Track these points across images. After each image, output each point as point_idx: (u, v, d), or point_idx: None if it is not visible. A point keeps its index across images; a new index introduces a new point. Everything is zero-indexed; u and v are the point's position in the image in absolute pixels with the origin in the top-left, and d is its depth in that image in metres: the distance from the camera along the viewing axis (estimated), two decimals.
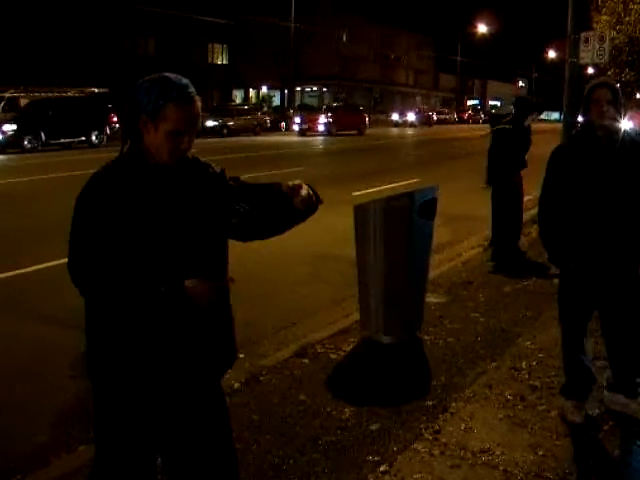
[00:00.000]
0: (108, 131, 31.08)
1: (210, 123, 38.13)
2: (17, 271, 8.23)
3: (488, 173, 8.81)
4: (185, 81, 2.51)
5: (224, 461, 2.77)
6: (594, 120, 4.10)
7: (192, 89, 2.52)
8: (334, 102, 67.76)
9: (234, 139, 36.43)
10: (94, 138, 30.47)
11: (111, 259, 2.42)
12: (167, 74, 2.51)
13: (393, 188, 13.76)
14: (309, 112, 47.81)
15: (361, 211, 5.64)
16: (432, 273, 7.14)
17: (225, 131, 39.15)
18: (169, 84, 2.46)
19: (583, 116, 4.21)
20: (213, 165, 2.72)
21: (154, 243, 2.46)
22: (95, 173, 2.49)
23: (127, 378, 2.54)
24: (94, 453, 2.74)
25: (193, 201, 2.56)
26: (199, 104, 2.53)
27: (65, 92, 30.95)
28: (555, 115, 73.17)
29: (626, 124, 4.27)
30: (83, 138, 30.13)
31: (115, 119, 30.90)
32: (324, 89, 71.22)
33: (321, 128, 42.04)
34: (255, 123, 42.27)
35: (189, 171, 2.60)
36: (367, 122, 46.43)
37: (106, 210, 2.41)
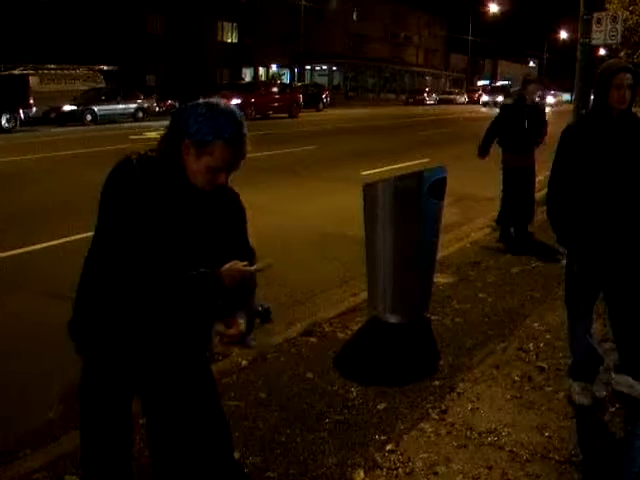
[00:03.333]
0: (22, 115, 27.88)
1: (68, 108, 30.24)
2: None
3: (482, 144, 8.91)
4: (240, 119, 2.45)
5: (212, 427, 2.83)
6: (613, 104, 4.03)
7: (245, 130, 2.47)
8: (344, 81, 67.64)
9: (99, 127, 29.55)
10: (4, 122, 26.94)
11: (133, 246, 2.43)
12: (224, 107, 2.44)
13: (402, 168, 13.71)
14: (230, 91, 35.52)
15: (370, 190, 5.61)
16: (440, 253, 7.12)
17: (89, 117, 30.94)
18: (223, 121, 2.40)
19: (598, 97, 4.13)
20: (234, 191, 2.75)
21: (164, 248, 2.47)
22: (126, 159, 2.47)
23: (114, 343, 2.59)
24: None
25: (213, 222, 2.59)
26: (248, 146, 2.49)
27: None
28: (566, 96, 72.58)
29: None
30: None
31: (32, 101, 28.66)
32: (334, 68, 70.94)
33: None
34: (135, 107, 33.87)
35: (216, 194, 2.58)
36: (301, 102, 40.27)
37: (131, 203, 2.40)
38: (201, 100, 2.48)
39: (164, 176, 2.46)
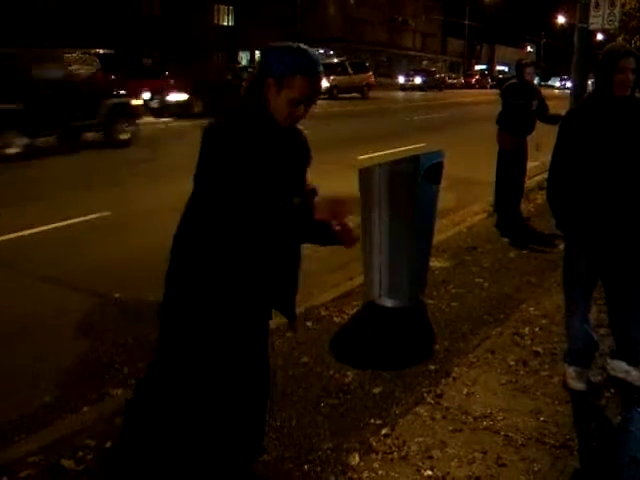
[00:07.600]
0: None
1: None
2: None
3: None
4: (316, 58, 2.76)
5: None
6: (617, 89, 4.00)
7: (321, 67, 2.77)
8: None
9: None
10: None
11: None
12: (304, 47, 2.76)
13: (398, 152, 13.67)
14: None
15: (366, 174, 5.60)
16: (436, 238, 7.11)
17: None
18: (303, 57, 2.71)
19: (600, 82, 4.10)
20: (304, 131, 3.03)
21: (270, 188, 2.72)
22: (232, 120, 2.74)
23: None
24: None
25: (294, 160, 2.88)
26: (322, 81, 2.82)
27: None
28: (557, 82, 72.24)
29: None
30: None
31: None
32: (330, 52, 70.65)
33: None
34: None
35: (293, 133, 2.92)
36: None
37: (238, 152, 2.64)
38: (278, 43, 2.80)
39: (255, 120, 2.73)
